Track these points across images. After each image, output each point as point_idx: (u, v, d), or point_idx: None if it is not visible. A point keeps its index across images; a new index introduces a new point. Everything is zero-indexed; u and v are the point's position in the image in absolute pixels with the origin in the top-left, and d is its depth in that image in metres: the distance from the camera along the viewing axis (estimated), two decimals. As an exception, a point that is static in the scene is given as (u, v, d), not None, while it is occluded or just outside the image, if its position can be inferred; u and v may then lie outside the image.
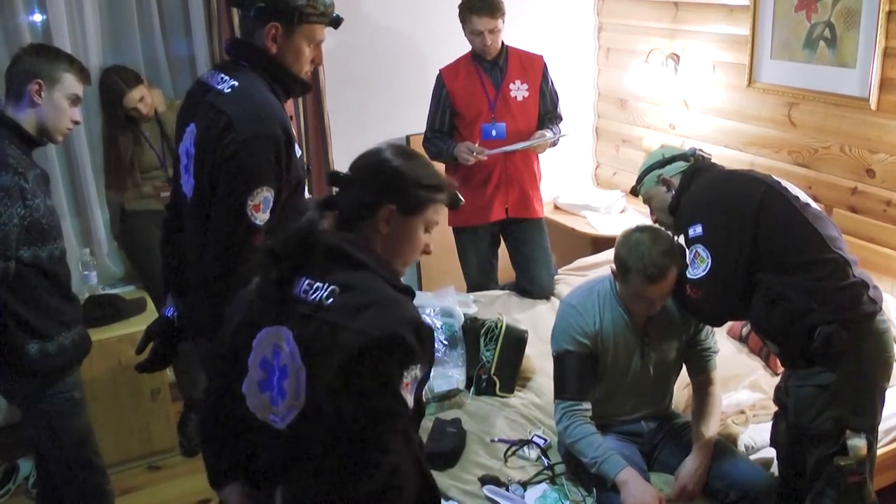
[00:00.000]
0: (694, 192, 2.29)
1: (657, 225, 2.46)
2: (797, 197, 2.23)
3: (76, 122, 2.34)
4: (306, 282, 1.49)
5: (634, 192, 2.52)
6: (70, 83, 2.28)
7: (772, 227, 2.14)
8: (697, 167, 2.36)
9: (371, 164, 1.60)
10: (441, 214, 1.64)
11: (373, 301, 1.44)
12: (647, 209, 2.57)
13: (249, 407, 1.54)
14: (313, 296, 1.46)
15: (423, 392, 1.58)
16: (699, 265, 2.18)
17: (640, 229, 2.36)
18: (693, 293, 2.22)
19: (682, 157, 2.41)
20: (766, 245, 2.13)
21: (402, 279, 1.57)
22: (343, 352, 1.39)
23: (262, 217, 1.91)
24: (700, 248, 2.18)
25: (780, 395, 2.30)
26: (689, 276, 2.22)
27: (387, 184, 1.56)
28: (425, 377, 1.51)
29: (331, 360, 1.40)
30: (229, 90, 1.94)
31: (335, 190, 1.63)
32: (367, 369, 1.38)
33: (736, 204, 2.19)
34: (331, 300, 1.45)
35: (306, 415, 1.45)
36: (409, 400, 1.44)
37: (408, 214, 1.57)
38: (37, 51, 2.33)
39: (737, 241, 2.14)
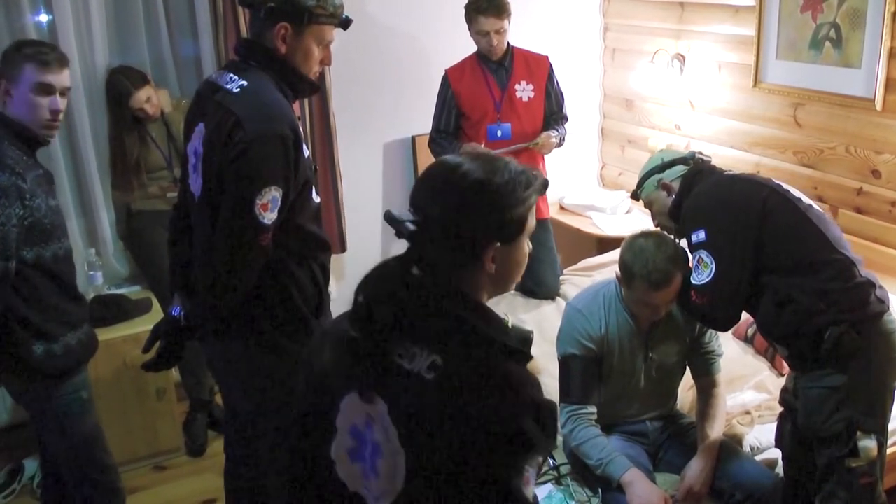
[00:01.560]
0: (696, 196, 2.28)
1: (659, 229, 2.46)
2: (800, 199, 2.23)
3: (56, 111, 2.24)
4: (402, 345, 1.24)
5: (635, 196, 2.51)
6: (29, 73, 2.19)
7: (777, 230, 2.13)
8: (697, 171, 2.35)
9: (454, 194, 1.27)
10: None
11: (482, 379, 1.21)
12: (651, 210, 2.57)
13: (339, 475, 1.32)
14: (411, 366, 1.22)
15: None
16: (703, 271, 2.17)
17: (645, 235, 2.35)
18: (698, 299, 2.20)
19: (682, 160, 2.40)
20: (772, 248, 2.12)
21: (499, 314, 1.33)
22: (452, 445, 1.17)
23: (269, 216, 1.91)
24: (704, 254, 2.17)
25: (786, 396, 2.29)
26: (693, 282, 2.21)
27: (484, 220, 1.26)
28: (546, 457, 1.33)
29: (438, 451, 1.18)
30: (238, 90, 1.94)
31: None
32: (480, 468, 1.17)
33: (739, 208, 2.18)
34: (431, 374, 1.21)
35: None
36: (530, 493, 1.22)
37: (513, 241, 1.30)
38: (3, 54, 2.29)
39: (741, 246, 2.13)
